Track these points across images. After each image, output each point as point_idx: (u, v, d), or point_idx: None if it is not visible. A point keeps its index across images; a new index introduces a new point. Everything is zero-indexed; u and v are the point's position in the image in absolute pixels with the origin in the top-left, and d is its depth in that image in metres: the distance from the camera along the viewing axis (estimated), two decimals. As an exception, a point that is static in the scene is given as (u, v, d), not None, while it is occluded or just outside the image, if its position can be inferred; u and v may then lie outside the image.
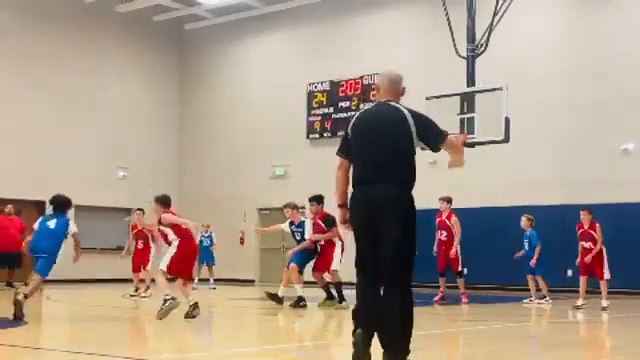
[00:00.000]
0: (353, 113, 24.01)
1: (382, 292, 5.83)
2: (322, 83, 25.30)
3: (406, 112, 6.01)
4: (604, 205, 19.38)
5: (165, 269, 11.43)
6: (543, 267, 16.53)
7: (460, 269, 16.65)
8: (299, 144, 25.63)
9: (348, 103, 24.64)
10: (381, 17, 24.58)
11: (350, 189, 6.22)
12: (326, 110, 25.11)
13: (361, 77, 24.43)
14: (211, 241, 22.40)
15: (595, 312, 14.27)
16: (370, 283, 5.92)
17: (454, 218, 16.74)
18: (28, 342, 8.85)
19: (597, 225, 15.05)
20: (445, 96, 17.63)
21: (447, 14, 18.58)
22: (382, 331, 5.76)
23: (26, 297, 11.03)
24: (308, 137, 25.43)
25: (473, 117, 17.05)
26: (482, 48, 18.28)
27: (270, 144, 26.28)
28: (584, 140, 20.38)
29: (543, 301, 16.32)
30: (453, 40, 18.41)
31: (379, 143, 5.98)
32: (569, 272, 19.89)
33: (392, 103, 6.13)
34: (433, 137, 6.02)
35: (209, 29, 28.20)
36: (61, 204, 11.85)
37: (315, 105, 25.37)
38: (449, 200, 16.87)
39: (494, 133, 16.53)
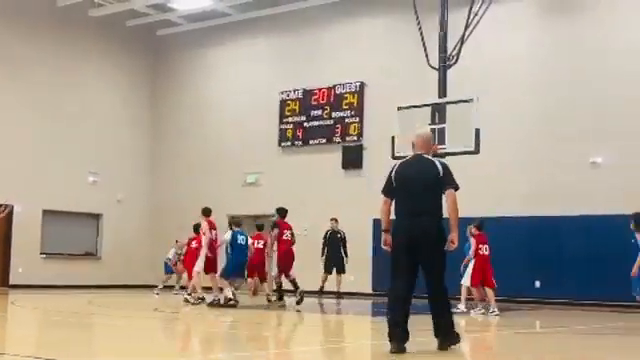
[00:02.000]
0: (325, 122, 24.62)
1: (432, 298, 8.17)
2: (295, 91, 25.34)
3: (437, 163, 8.20)
4: (572, 217, 19.65)
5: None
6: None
7: None
8: (271, 152, 25.63)
9: (320, 112, 24.72)
10: (354, 26, 24.69)
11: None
12: (298, 118, 25.15)
13: (333, 86, 24.53)
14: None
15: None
16: (403, 292, 8.05)
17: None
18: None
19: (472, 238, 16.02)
20: (416, 106, 17.80)
21: (420, 25, 18.77)
22: (438, 327, 8.19)
23: None
24: (280, 145, 25.47)
25: (444, 128, 17.22)
26: (454, 59, 18.50)
27: (242, 151, 26.26)
28: (553, 152, 20.57)
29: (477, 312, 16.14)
30: (425, 51, 18.60)
31: (417, 186, 8.10)
32: (537, 283, 20.14)
33: (425, 156, 8.30)
34: (446, 183, 8.14)
35: (182, 35, 28.15)
36: None
37: (287, 113, 25.40)
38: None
39: (465, 144, 16.68)
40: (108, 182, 26.79)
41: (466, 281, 16.17)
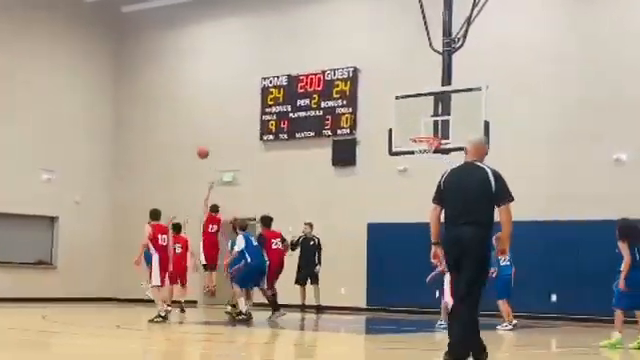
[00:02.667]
0: (313, 112, 24.59)
1: (458, 307, 8.58)
2: (278, 77, 25.27)
3: (489, 172, 8.69)
4: (592, 222, 19.64)
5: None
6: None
7: None
8: (251, 146, 25.57)
9: (307, 101, 24.65)
10: (347, 5, 24.68)
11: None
12: (282, 108, 25.10)
13: (323, 72, 24.46)
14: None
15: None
16: (459, 304, 8.63)
17: None
18: None
19: None
20: (417, 95, 17.82)
21: (421, 3, 18.75)
22: (452, 333, 8.65)
23: None
24: (261, 139, 25.42)
25: (448, 120, 17.25)
26: (459, 42, 18.51)
27: (217, 146, 25.85)
28: (572, 149, 20.60)
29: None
30: (427, 32, 18.61)
31: (468, 195, 8.65)
32: (553, 297, 20.15)
33: (477, 163, 8.85)
34: (501, 198, 8.61)
35: (150, 13, 28.04)
36: None
37: (270, 102, 25.33)
38: None
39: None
40: (64, 181, 26.64)
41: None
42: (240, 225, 17.73)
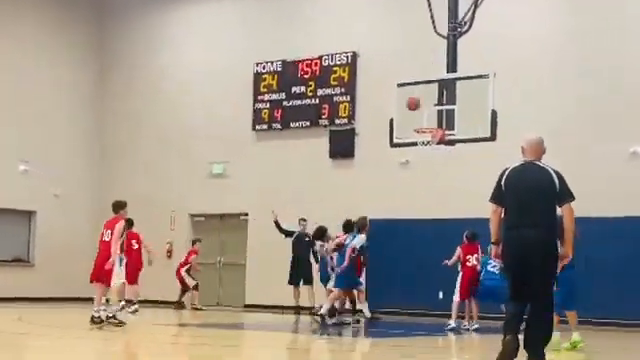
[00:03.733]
0: (309, 101, 24.80)
1: (531, 313, 9.09)
2: (272, 63, 25.29)
3: (552, 172, 9.22)
4: (607, 220, 19.94)
5: None
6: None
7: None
8: (242, 137, 25.61)
9: (304, 88, 24.69)
10: (346, -15, 24.82)
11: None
12: (276, 96, 25.14)
13: (319, 57, 24.51)
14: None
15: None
16: (518, 306, 9.08)
17: None
18: None
19: None
20: (420, 83, 17.94)
21: (425, -17, 18.90)
22: (529, 340, 9.03)
23: None
24: (254, 129, 25.47)
25: (453, 110, 17.42)
26: (466, 26, 18.65)
27: (206, 136, 26.22)
28: (586, 140, 20.62)
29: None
30: (432, 16, 18.75)
31: (530, 195, 9.11)
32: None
33: (537, 163, 9.39)
34: (564, 197, 9.13)
35: (135, -5, 28.32)
36: None
37: (263, 90, 25.35)
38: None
39: (478, 129, 16.91)
40: (43, 172, 26.58)
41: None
42: (362, 224, 18.57)
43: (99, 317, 15.18)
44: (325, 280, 19.54)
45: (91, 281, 15.74)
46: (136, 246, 20.46)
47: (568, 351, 13.02)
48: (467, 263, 17.65)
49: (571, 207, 9.13)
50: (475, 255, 17.63)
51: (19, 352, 12.10)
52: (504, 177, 9.42)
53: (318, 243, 19.92)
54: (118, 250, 15.59)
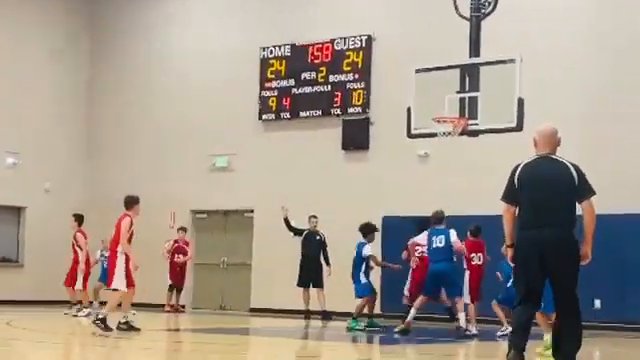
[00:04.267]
0: (320, 88, 24.56)
1: (561, 319, 9.12)
2: (280, 47, 25.26)
3: (570, 165, 9.01)
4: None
5: None
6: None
7: None
8: (248, 127, 25.59)
9: (314, 74, 24.64)
10: (359, -37, 24.71)
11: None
12: (285, 83, 25.10)
13: (331, 41, 24.45)
14: None
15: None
16: (527, 311, 9.02)
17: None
18: None
19: None
20: (441, 69, 17.87)
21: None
22: (559, 347, 9.12)
23: None
24: (260, 118, 25.42)
25: (476, 97, 17.33)
26: (490, 7, 18.54)
27: (209, 127, 26.20)
28: (618, 131, 20.49)
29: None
30: (453, -5, 18.62)
31: (547, 192, 8.94)
32: (597, 303, 20.10)
33: (553, 156, 9.14)
34: (584, 192, 8.94)
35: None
36: None
37: (270, 76, 25.33)
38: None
39: (503, 118, 16.75)
40: (32, 166, 26.80)
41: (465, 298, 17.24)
42: (438, 217, 17.24)
43: (125, 322, 15.60)
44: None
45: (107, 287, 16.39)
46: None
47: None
48: (472, 262, 17.23)
49: (591, 203, 8.93)
50: (479, 254, 17.25)
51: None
52: (517, 173, 9.21)
53: (368, 247, 18.92)
54: (124, 249, 15.91)
